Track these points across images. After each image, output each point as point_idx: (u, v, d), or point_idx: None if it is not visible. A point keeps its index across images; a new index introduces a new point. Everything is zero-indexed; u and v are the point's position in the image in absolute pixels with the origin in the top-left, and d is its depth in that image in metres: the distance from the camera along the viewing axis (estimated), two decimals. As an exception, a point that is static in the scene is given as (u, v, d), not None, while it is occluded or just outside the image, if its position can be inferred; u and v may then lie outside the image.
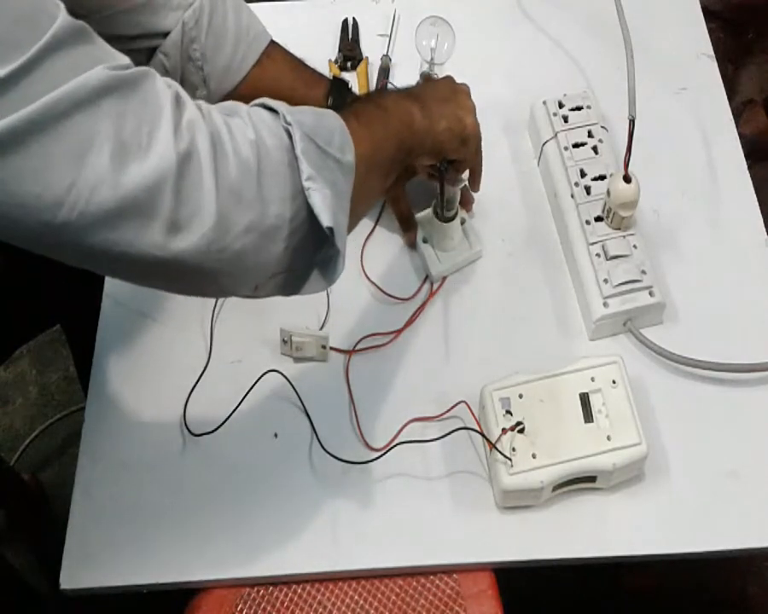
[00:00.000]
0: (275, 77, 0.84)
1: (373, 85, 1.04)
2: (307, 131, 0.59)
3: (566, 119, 0.94)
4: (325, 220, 0.58)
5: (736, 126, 0.99)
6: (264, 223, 0.57)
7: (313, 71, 0.88)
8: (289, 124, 0.59)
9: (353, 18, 1.08)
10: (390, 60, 1.05)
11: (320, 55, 1.05)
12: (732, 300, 0.88)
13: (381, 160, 0.70)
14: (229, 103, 0.61)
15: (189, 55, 0.79)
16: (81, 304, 0.94)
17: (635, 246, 0.86)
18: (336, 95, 0.86)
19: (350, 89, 0.89)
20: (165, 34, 0.78)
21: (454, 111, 0.79)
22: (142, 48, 0.78)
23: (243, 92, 0.83)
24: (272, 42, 0.85)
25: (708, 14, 1.08)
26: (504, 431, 0.76)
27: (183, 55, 0.79)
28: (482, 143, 0.85)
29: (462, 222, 0.91)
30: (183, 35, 0.78)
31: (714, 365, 0.83)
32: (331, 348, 0.87)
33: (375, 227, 0.94)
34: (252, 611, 0.80)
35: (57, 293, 1.02)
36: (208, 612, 0.80)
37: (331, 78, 0.89)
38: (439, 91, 0.81)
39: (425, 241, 0.91)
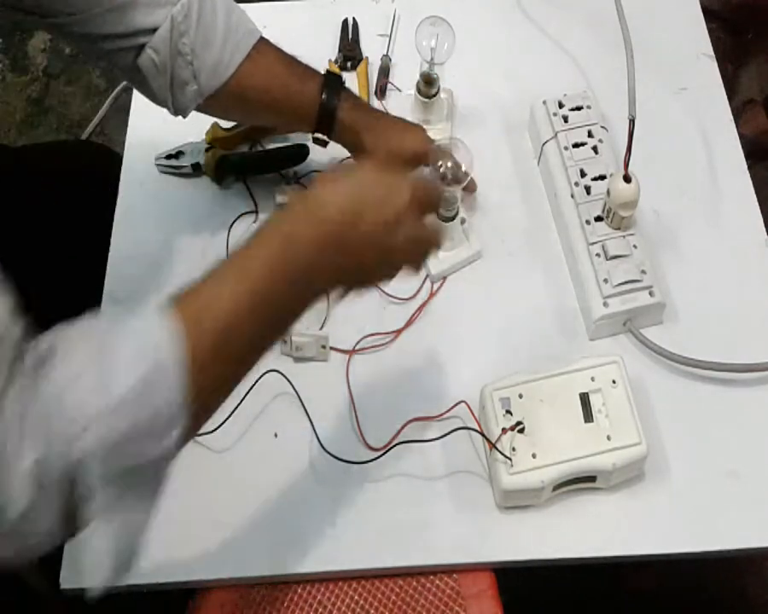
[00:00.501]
0: (267, 72, 0.84)
1: (373, 85, 1.04)
2: (110, 451, 0.50)
3: (566, 119, 0.93)
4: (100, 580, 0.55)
5: (736, 126, 0.99)
6: (25, 545, 0.52)
7: (306, 66, 0.88)
8: (86, 454, 0.50)
9: (353, 18, 1.09)
10: (390, 60, 1.05)
11: (320, 54, 1.05)
12: (732, 300, 0.88)
13: (262, 344, 0.61)
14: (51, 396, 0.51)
15: (179, 49, 0.79)
16: (81, 303, 0.94)
17: (635, 246, 0.86)
18: (330, 90, 0.86)
19: (343, 84, 0.88)
20: (154, 30, 0.78)
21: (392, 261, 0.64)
22: (131, 45, 0.78)
23: (235, 88, 0.83)
24: (262, 38, 0.85)
25: (708, 14, 1.08)
26: (504, 430, 0.76)
27: (173, 50, 0.79)
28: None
29: (462, 222, 0.91)
30: (173, 30, 0.78)
31: (714, 365, 0.83)
32: (331, 348, 0.87)
33: (375, 227, 0.94)
34: (252, 611, 0.80)
35: (58, 293, 1.02)
36: (208, 612, 0.80)
37: (325, 72, 0.88)
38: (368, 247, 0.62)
39: (425, 241, 0.91)
